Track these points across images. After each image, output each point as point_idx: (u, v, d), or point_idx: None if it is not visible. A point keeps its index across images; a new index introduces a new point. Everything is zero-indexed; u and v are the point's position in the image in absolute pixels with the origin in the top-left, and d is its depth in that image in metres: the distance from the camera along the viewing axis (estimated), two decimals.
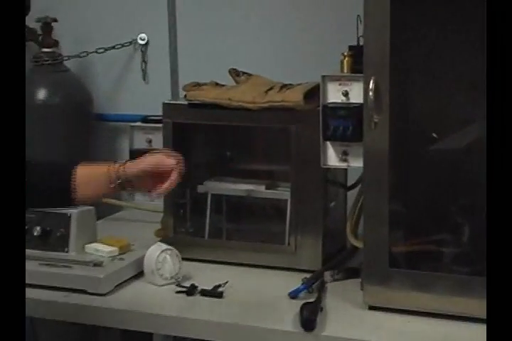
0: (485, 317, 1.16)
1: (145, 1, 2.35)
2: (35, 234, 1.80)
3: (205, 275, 1.81)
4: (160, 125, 1.98)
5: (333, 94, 1.69)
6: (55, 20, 2.31)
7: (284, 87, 1.86)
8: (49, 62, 2.30)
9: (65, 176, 1.48)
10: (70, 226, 1.80)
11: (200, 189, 1.96)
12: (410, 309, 1.59)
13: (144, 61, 2.39)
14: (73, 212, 1.80)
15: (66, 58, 2.34)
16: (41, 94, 2.28)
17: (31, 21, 2.30)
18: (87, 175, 1.48)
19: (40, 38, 2.31)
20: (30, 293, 1.68)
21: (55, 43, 2.32)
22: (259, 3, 2.24)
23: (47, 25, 2.30)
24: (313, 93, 1.76)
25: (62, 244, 1.80)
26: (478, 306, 1.46)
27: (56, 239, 1.80)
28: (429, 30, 1.65)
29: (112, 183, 1.46)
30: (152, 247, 1.79)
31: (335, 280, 1.78)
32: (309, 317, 1.54)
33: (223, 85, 1.95)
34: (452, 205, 1.66)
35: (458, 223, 1.66)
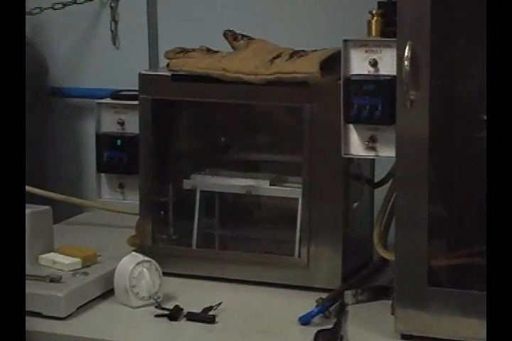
0: None
1: None
2: None
3: (193, 295, 1.82)
4: (135, 102, 2.00)
5: (358, 64, 1.70)
6: None
7: (294, 54, 1.86)
8: None
9: None
10: None
11: (187, 184, 1.97)
12: (454, 339, 1.59)
13: (114, 20, 2.41)
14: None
15: None
16: None
17: None
18: None
19: None
20: None
21: None
22: None
23: None
24: (333, 63, 1.77)
25: None
26: None
27: None
28: None
29: None
30: (125, 259, 1.80)
31: (358, 301, 1.79)
32: None
33: (217, 52, 1.96)
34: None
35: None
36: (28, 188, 1.77)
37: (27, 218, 1.79)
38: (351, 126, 1.72)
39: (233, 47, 1.99)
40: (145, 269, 1.77)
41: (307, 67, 1.79)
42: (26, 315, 1.67)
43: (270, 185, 1.93)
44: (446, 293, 1.60)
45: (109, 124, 2.20)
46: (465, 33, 1.68)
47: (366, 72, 1.69)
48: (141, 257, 1.80)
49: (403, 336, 1.62)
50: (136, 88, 1.96)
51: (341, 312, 1.71)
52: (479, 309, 1.54)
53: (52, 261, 1.82)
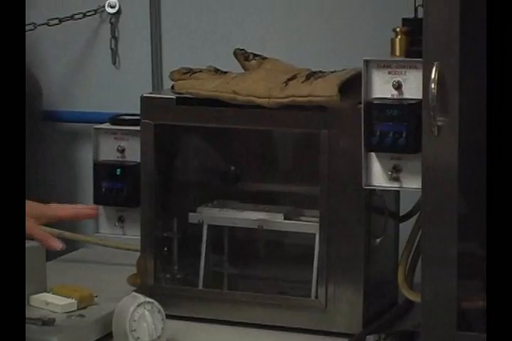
0: None
1: None
2: None
3: (199, 340, 1.83)
4: (137, 128, 2.00)
5: (381, 87, 1.71)
6: None
7: (311, 75, 1.87)
8: None
9: None
10: None
11: (193, 218, 1.97)
12: None
13: (114, 37, 2.43)
14: None
15: None
16: None
17: None
18: None
19: None
20: None
21: None
22: None
23: None
24: (353, 85, 1.77)
25: None
26: None
27: None
28: None
29: None
30: (124, 300, 1.80)
31: None
32: None
33: (226, 72, 1.97)
34: None
35: None
36: None
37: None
38: (373, 155, 1.73)
39: (244, 68, 2.00)
40: (146, 311, 1.77)
41: (325, 90, 1.80)
42: None
43: (284, 218, 1.93)
44: (477, 338, 1.59)
45: (108, 152, 2.19)
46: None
47: (389, 96, 1.70)
48: (142, 298, 1.79)
49: None
50: (138, 112, 1.97)
51: None
52: None
53: (45, 302, 1.82)
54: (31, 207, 1.65)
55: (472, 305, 1.66)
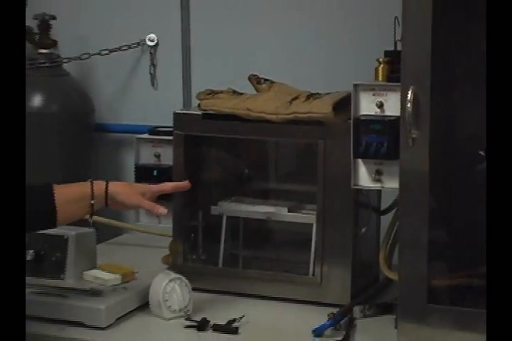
0: None
1: None
2: (28, 258, 1.79)
3: (219, 309, 1.81)
4: (170, 137, 2.00)
5: (367, 106, 1.69)
6: (54, 18, 2.34)
7: (310, 96, 1.86)
8: (46, 64, 2.32)
9: (41, 197, 1.62)
10: (67, 251, 1.80)
11: (214, 210, 1.97)
12: None
13: (153, 64, 2.41)
14: (71, 234, 1.81)
15: (65, 61, 2.36)
16: (36, 100, 2.29)
17: (28, 19, 2.30)
18: (67, 194, 1.65)
19: (36, 37, 2.34)
20: (27, 327, 1.71)
21: (54, 44, 2.35)
22: (286, 4, 2.27)
23: (45, 23, 2.34)
24: (344, 104, 1.76)
25: (58, 270, 1.80)
26: None
27: (51, 265, 1.80)
28: (478, 33, 1.64)
29: (94, 200, 1.65)
30: (159, 276, 1.79)
31: (365, 316, 1.78)
32: None
33: (242, 94, 1.96)
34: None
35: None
36: None
37: (74, 239, 1.82)
38: (360, 161, 1.71)
39: (257, 90, 1.98)
40: (176, 285, 1.77)
41: (321, 108, 1.79)
42: (72, 326, 1.71)
43: (288, 211, 1.92)
44: (444, 309, 1.59)
45: (147, 157, 2.22)
46: (464, 78, 1.68)
47: (373, 113, 1.69)
48: (173, 274, 1.80)
49: None
50: (171, 125, 1.96)
51: (350, 326, 1.70)
52: (473, 324, 1.55)
53: (95, 276, 1.82)
54: (138, 186, 1.80)
55: (440, 283, 1.64)
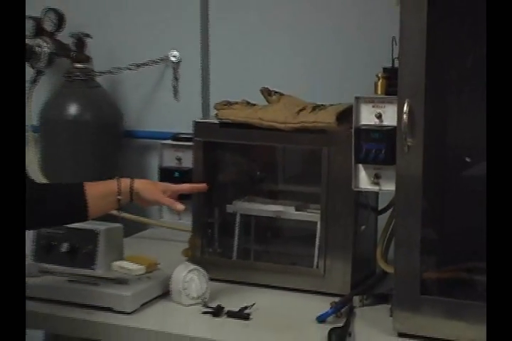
0: None
1: (178, 18, 2.38)
2: (62, 250, 1.81)
3: (232, 297, 1.82)
4: (190, 143, 2.00)
5: (367, 116, 1.69)
6: (88, 36, 2.34)
7: (316, 107, 1.86)
8: (81, 77, 2.32)
9: (74, 194, 1.64)
10: (98, 244, 1.81)
11: (229, 209, 1.97)
12: (441, 337, 1.58)
13: (176, 78, 2.40)
14: (101, 229, 1.81)
15: (98, 74, 2.37)
16: (72, 110, 2.29)
17: (65, 37, 2.34)
18: (97, 190, 1.66)
19: (72, 53, 2.34)
20: (55, 309, 1.74)
21: (88, 59, 2.35)
22: (293, 22, 2.26)
23: (80, 40, 2.33)
24: (346, 115, 1.76)
25: (89, 260, 1.81)
26: None
27: (83, 256, 1.81)
28: (467, 53, 1.65)
29: (120, 195, 1.66)
30: (179, 267, 1.79)
31: (364, 305, 1.77)
32: None
33: (254, 104, 1.96)
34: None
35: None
36: None
37: (104, 233, 1.82)
38: (360, 166, 1.71)
39: (268, 101, 1.98)
40: (195, 276, 1.77)
41: (326, 118, 1.79)
42: (100, 310, 1.71)
43: (295, 210, 1.92)
44: (434, 300, 1.60)
45: (170, 160, 2.23)
46: (454, 92, 1.69)
47: (373, 123, 1.69)
48: (191, 266, 1.80)
49: (399, 334, 1.61)
50: (192, 132, 1.96)
51: (350, 314, 1.70)
52: (461, 314, 1.56)
53: (122, 267, 1.82)
54: (160, 184, 1.79)
55: (431, 276, 1.64)
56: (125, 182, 1.68)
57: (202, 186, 1.80)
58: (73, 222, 1.72)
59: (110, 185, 1.68)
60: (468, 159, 1.68)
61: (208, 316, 1.71)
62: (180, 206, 1.70)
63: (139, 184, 1.69)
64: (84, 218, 1.66)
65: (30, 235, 1.78)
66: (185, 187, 1.78)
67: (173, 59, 2.39)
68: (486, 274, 1.59)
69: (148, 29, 2.40)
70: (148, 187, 1.72)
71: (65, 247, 1.81)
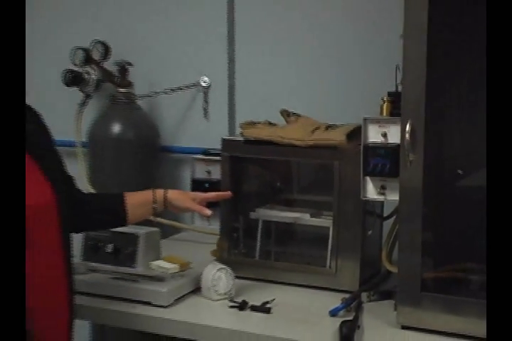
0: None
1: (207, 49, 2.38)
2: (107, 250, 1.80)
3: (255, 293, 1.81)
4: (218, 158, 2.00)
5: (373, 135, 1.68)
6: (130, 64, 2.36)
7: (328, 127, 1.86)
8: (124, 100, 2.34)
9: (116, 203, 1.66)
10: (138, 245, 1.80)
11: (253, 215, 1.96)
12: (439, 330, 1.57)
13: (206, 101, 2.41)
14: (141, 232, 1.81)
15: (138, 98, 2.38)
16: (116, 128, 2.30)
17: (110, 65, 2.36)
18: (133, 197, 1.67)
19: (116, 79, 2.35)
20: (100, 303, 1.74)
21: (130, 84, 2.37)
22: (309, 52, 2.26)
23: (123, 68, 2.36)
24: (355, 133, 1.76)
25: (131, 260, 1.80)
26: None
27: (125, 256, 1.80)
28: (462, 83, 1.65)
29: (156, 204, 1.67)
30: (208, 266, 1.79)
31: (371, 301, 1.76)
32: (347, 334, 1.52)
33: (275, 124, 1.96)
34: (479, 238, 1.61)
35: (485, 254, 1.62)
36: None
37: (143, 236, 1.80)
38: (368, 178, 1.70)
39: (286, 121, 1.98)
40: (222, 274, 1.77)
41: (337, 137, 1.79)
42: (140, 304, 1.71)
43: (310, 217, 1.91)
44: (433, 296, 1.58)
45: (200, 172, 2.25)
46: (451, 115, 1.67)
47: (379, 141, 1.68)
48: (219, 265, 1.79)
49: (402, 326, 1.60)
50: (220, 148, 1.96)
51: (359, 308, 1.69)
52: (456, 309, 1.55)
53: (159, 266, 1.81)
54: (190, 193, 1.81)
55: (430, 275, 1.63)
56: (159, 192, 1.69)
57: (226, 194, 1.80)
58: (115, 227, 1.73)
59: (147, 195, 1.69)
60: (460, 172, 1.66)
61: (233, 310, 1.71)
62: (207, 211, 1.70)
63: (171, 194, 1.69)
64: (124, 223, 1.68)
65: (79, 237, 1.78)
66: (211, 195, 1.78)
67: (203, 84, 2.39)
68: (479, 274, 1.61)
69: (181, 58, 2.41)
70: (180, 196, 1.72)
71: (109, 248, 1.80)
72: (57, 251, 1.47)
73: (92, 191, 2.22)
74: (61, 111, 2.28)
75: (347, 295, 1.73)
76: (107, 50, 2.33)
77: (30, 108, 1.56)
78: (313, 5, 2.22)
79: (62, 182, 1.55)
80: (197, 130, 2.41)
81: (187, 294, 1.78)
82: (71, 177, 1.65)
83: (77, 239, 1.70)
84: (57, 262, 1.47)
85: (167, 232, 2.18)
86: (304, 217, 1.91)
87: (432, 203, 1.61)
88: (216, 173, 2.11)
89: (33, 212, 1.39)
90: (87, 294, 1.74)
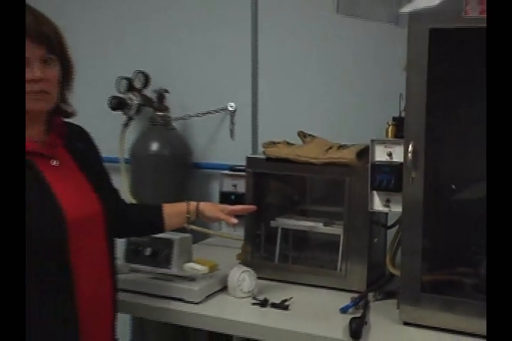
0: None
1: (234, 78, 2.38)
2: (146, 254, 1.79)
3: (275, 292, 1.80)
4: (243, 173, 1.99)
5: (380, 154, 1.68)
6: (167, 91, 2.37)
7: (340, 147, 1.85)
8: (161, 122, 2.35)
9: (154, 213, 1.66)
10: (173, 249, 1.79)
11: (273, 224, 1.95)
12: (436, 326, 1.56)
13: (232, 123, 2.40)
14: (175, 238, 1.80)
15: (173, 120, 2.39)
16: (154, 147, 2.30)
17: (149, 91, 2.38)
18: (170, 209, 1.67)
19: (155, 104, 2.37)
20: (140, 299, 1.74)
21: (166, 108, 2.37)
22: (325, 83, 2.25)
23: (161, 95, 2.37)
24: (364, 153, 1.75)
25: (167, 262, 1.79)
26: None
27: (162, 259, 1.79)
28: (458, 109, 1.64)
29: (189, 215, 1.66)
30: (234, 268, 1.79)
31: (376, 300, 1.76)
32: (356, 329, 1.52)
33: (293, 144, 1.96)
34: (472, 245, 1.63)
35: (477, 259, 1.61)
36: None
37: (178, 241, 1.78)
38: (375, 192, 1.69)
39: (303, 142, 1.98)
40: (246, 275, 1.77)
41: (348, 156, 1.79)
42: (174, 301, 1.71)
43: (323, 225, 1.91)
44: (432, 296, 1.57)
45: (228, 186, 2.27)
46: (448, 137, 1.67)
47: (384, 160, 1.67)
48: (244, 267, 1.79)
49: (404, 323, 1.59)
50: (245, 165, 1.95)
51: (366, 306, 1.68)
52: (452, 307, 1.54)
53: (191, 267, 1.79)
54: (219, 205, 1.76)
55: (429, 278, 1.62)
56: (193, 204, 1.69)
57: (251, 207, 1.79)
58: (153, 234, 1.74)
59: (181, 207, 1.69)
60: (454, 187, 1.66)
61: (256, 306, 1.71)
62: (234, 220, 1.69)
63: (203, 205, 1.70)
64: (161, 231, 1.69)
65: (122, 242, 1.77)
66: (238, 208, 1.76)
67: (230, 108, 2.39)
68: (471, 277, 1.60)
69: (211, 86, 2.42)
70: (210, 207, 1.71)
71: (148, 251, 1.79)
72: (104, 253, 1.49)
73: (134, 202, 2.22)
74: (107, 132, 2.28)
75: (355, 295, 1.73)
76: (147, 79, 2.35)
77: (81, 129, 1.59)
78: (327, 41, 2.23)
79: (108, 194, 1.57)
80: (224, 149, 2.41)
81: (215, 292, 1.78)
82: (116, 190, 1.66)
83: (121, 244, 1.72)
84: (103, 263, 1.49)
85: (198, 238, 2.18)
86: (318, 226, 1.91)
87: (431, 214, 1.60)
88: (241, 187, 2.10)
89: (84, 220, 1.42)
90: (129, 291, 1.75)
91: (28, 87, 1.35)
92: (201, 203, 1.71)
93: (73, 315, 1.39)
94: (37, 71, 1.36)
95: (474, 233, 1.61)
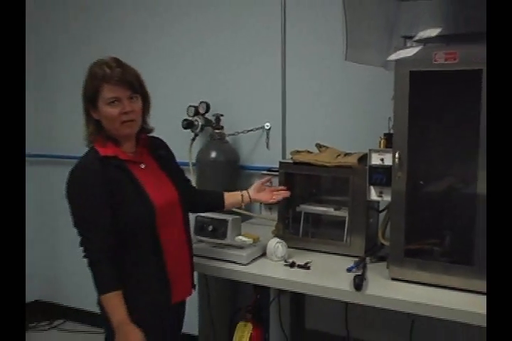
0: (460, 287, 1.12)
1: (269, 106, 2.37)
2: (209, 229, 1.81)
3: (300, 257, 1.81)
4: (277, 173, 2.00)
5: (375, 160, 1.68)
6: (222, 115, 2.39)
7: (346, 154, 1.88)
8: (218, 138, 2.36)
9: (218, 197, 1.71)
10: (228, 226, 1.80)
11: (298, 209, 1.96)
12: (416, 281, 1.57)
13: (267, 137, 2.39)
14: (229, 218, 1.81)
15: (227, 135, 2.39)
16: (213, 155, 2.31)
17: (210, 115, 2.39)
18: (229, 196, 1.72)
19: (214, 124, 2.38)
20: (205, 261, 1.76)
21: (222, 127, 2.39)
22: (337, 107, 2.22)
23: (217, 118, 2.39)
24: (364, 158, 1.76)
25: (223, 235, 1.80)
26: (457, 281, 1.46)
27: (220, 233, 1.81)
28: (433, 128, 1.63)
29: (243, 202, 1.70)
30: (271, 240, 1.81)
31: (372, 262, 1.76)
32: (358, 283, 1.54)
33: (312, 152, 1.98)
34: (439, 223, 1.63)
35: (443, 234, 1.62)
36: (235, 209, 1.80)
37: (231, 221, 1.78)
38: (371, 186, 1.69)
39: (319, 150, 1.98)
40: (279, 245, 1.78)
41: (352, 160, 1.80)
42: (229, 262, 1.73)
43: (334, 210, 1.91)
44: (411, 260, 1.58)
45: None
46: (425, 149, 1.64)
47: (378, 163, 1.67)
48: (278, 239, 1.81)
49: (392, 279, 1.60)
50: (277, 167, 1.96)
51: (365, 267, 1.69)
52: (427, 267, 1.54)
53: (241, 239, 1.81)
54: (266, 188, 1.74)
55: (410, 247, 1.61)
56: (245, 192, 1.74)
57: (287, 192, 1.81)
58: (216, 210, 1.77)
59: (236, 195, 1.75)
60: (422, 182, 1.64)
61: (287, 267, 1.71)
62: (272, 200, 1.73)
63: (252, 193, 1.74)
64: (222, 208, 1.73)
65: (192, 220, 1.74)
66: (280, 187, 1.79)
67: (266, 127, 2.38)
68: (438, 246, 1.56)
69: (253, 111, 2.41)
70: (259, 193, 1.76)
71: (210, 228, 1.80)
72: (181, 227, 1.57)
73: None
74: (181, 144, 2.31)
75: (357, 259, 1.75)
76: (208, 107, 2.37)
77: (161, 140, 1.67)
78: (339, 81, 2.20)
79: (183, 184, 1.63)
80: (263, 156, 2.40)
81: (257, 257, 1.80)
82: (188, 180, 1.73)
83: (192, 220, 1.72)
84: (182, 233, 1.56)
85: (244, 219, 2.18)
86: (330, 210, 1.92)
87: (411, 202, 1.61)
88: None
89: (166, 204, 1.50)
90: (197, 255, 1.77)
91: (123, 118, 1.42)
92: (250, 191, 1.73)
93: (163, 269, 1.48)
94: (127, 106, 1.44)
95: (440, 215, 1.64)
